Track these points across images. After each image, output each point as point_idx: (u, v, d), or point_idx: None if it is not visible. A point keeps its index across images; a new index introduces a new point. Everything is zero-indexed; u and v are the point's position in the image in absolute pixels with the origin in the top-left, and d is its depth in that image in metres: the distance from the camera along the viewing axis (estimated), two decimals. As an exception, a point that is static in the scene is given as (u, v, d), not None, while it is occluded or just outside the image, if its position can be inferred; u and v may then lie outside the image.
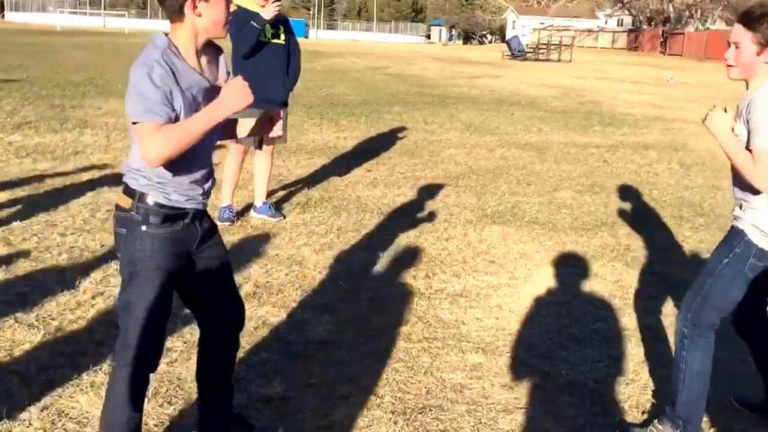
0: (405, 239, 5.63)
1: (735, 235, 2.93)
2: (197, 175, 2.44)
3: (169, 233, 2.41)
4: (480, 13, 78.36)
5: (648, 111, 15.36)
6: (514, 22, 68.77)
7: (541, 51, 38.47)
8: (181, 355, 3.56)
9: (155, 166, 2.26)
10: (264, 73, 5.41)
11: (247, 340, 3.71)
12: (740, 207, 2.93)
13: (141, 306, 2.41)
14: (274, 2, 5.34)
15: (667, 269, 5.20)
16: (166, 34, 2.35)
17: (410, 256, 5.26)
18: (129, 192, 2.40)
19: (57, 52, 23.34)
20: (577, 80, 22.55)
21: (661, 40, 48.06)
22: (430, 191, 7.26)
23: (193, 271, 2.55)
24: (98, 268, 4.62)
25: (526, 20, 65.10)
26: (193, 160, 2.39)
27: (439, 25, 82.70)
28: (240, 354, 3.55)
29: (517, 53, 37.01)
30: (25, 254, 4.77)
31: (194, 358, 3.48)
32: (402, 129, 11.17)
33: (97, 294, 4.23)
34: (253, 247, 5.19)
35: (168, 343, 3.63)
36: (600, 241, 5.83)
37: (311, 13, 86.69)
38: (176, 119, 2.28)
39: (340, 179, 7.58)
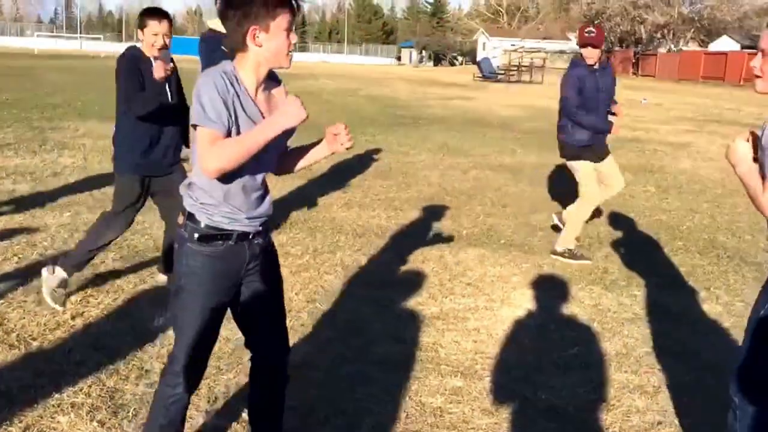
0: (380, 261, 5.58)
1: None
2: (240, 200, 2.47)
3: (212, 252, 2.47)
4: (451, 35, 79.12)
5: (622, 132, 15.29)
6: (484, 43, 69.42)
7: (513, 72, 38.85)
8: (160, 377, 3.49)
9: (212, 178, 2.34)
10: None
11: (224, 362, 3.69)
12: None
13: (185, 321, 2.52)
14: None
15: (645, 293, 5.20)
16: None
17: (386, 279, 5.21)
18: (182, 210, 2.51)
19: (35, 75, 23.24)
20: (550, 102, 22.41)
21: (633, 61, 48.85)
22: (404, 213, 7.23)
23: (243, 295, 2.61)
24: (78, 290, 4.60)
25: (496, 42, 65.75)
26: (235, 190, 2.44)
27: (409, 47, 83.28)
28: (218, 376, 3.52)
29: (489, 75, 37.35)
30: (5, 275, 4.75)
31: None
32: (376, 151, 11.16)
33: (76, 315, 4.22)
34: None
35: (147, 365, 3.65)
36: (577, 264, 5.81)
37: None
38: (229, 134, 2.34)
39: (315, 201, 7.52)
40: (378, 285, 5.06)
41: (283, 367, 2.80)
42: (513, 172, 10.04)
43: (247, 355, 2.83)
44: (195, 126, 2.32)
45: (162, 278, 4.83)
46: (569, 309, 4.82)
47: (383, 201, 7.71)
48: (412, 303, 4.76)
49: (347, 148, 2.57)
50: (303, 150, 2.70)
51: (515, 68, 39.76)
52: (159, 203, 4.63)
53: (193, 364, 2.56)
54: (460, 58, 76.71)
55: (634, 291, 5.22)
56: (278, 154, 2.61)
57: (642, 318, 4.70)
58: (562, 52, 58.59)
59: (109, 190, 7.39)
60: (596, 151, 5.88)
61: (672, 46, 51.22)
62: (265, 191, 2.58)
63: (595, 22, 56.17)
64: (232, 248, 2.50)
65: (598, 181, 5.94)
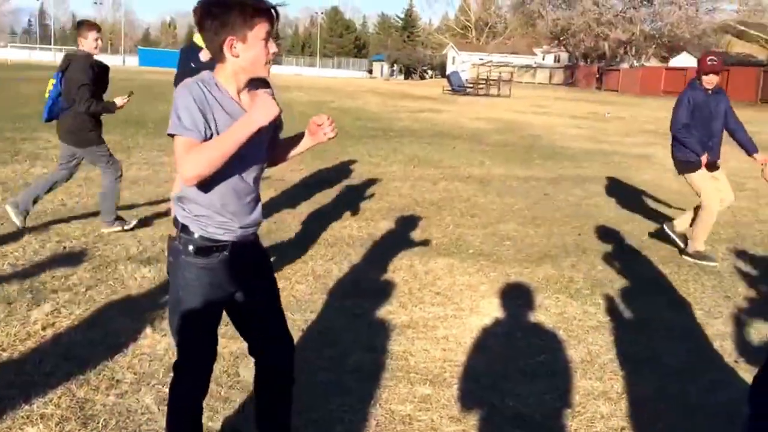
0: (351, 271, 5.62)
1: None
2: (234, 206, 2.49)
3: (208, 264, 2.47)
4: (421, 49, 79.73)
5: (587, 145, 15.78)
6: (454, 57, 70.09)
7: (481, 86, 39.22)
8: (131, 387, 3.53)
9: (190, 185, 2.34)
10: None
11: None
12: None
13: (184, 332, 2.53)
14: None
15: (609, 301, 5.31)
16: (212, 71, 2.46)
17: (357, 288, 5.26)
18: (175, 222, 2.50)
19: (7, 86, 22.93)
20: (517, 115, 23.00)
21: (597, 76, 49.66)
22: (375, 223, 7.29)
23: (239, 303, 2.63)
24: (49, 300, 4.57)
25: (465, 56, 66.48)
26: (227, 194, 2.45)
27: (381, 61, 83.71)
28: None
29: (458, 88, 37.66)
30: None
31: (144, 389, 3.49)
32: (347, 162, 11.23)
33: (47, 325, 4.19)
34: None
35: (118, 375, 3.64)
36: (543, 272, 5.92)
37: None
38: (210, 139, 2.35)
39: (287, 211, 7.56)
40: (349, 294, 5.11)
41: (289, 368, 2.81)
42: (482, 183, 10.17)
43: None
44: (172, 136, 2.33)
45: None
46: (536, 317, 4.91)
47: (354, 211, 7.75)
48: (383, 312, 4.81)
49: (330, 138, 2.60)
50: (290, 141, 2.74)
51: (483, 82, 40.13)
52: None
53: (198, 371, 2.61)
54: (430, 72, 77.28)
55: (599, 299, 5.33)
56: (268, 148, 2.64)
57: (606, 326, 4.81)
58: (528, 66, 59.37)
59: (82, 200, 7.38)
60: (707, 165, 6.41)
61: (634, 61, 52.32)
62: (257, 196, 2.59)
63: (561, 38, 57.19)
64: (227, 258, 2.51)
65: (716, 190, 6.50)
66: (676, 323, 4.94)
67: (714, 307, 5.28)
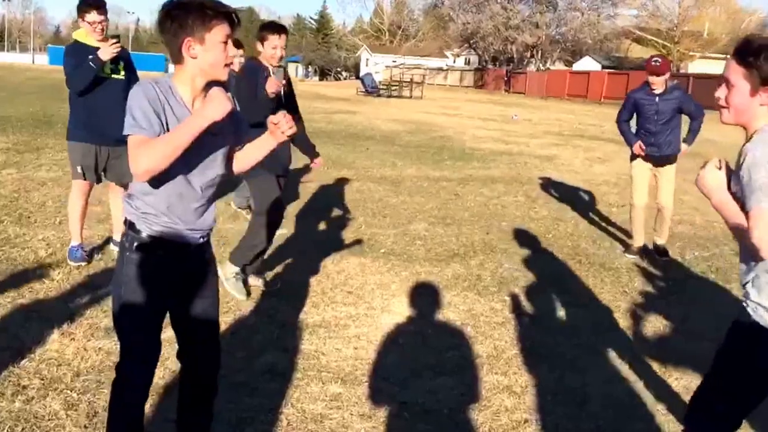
0: (264, 271, 5.63)
1: None
2: (180, 210, 2.49)
3: (151, 262, 2.48)
4: (335, 50, 79.76)
5: (495, 146, 16.20)
6: (367, 59, 70.44)
7: (394, 88, 39.57)
8: (38, 393, 3.45)
9: (143, 180, 2.35)
10: (102, 110, 5.20)
11: (106, 375, 3.62)
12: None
13: (124, 326, 2.55)
14: (112, 44, 5.18)
15: (515, 298, 5.52)
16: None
17: (270, 289, 5.27)
18: (124, 219, 2.51)
19: None
20: (429, 116, 23.33)
21: (505, 78, 50.90)
22: (288, 224, 7.29)
23: (179, 305, 2.64)
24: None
25: (379, 58, 66.99)
26: (172, 198, 2.47)
27: (296, 62, 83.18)
28: (104, 391, 3.47)
29: (371, 90, 37.87)
30: None
31: (52, 395, 3.44)
32: (259, 163, 11.13)
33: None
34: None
35: (24, 381, 3.55)
36: (452, 271, 6.09)
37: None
38: None
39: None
40: (262, 295, 5.13)
41: (214, 378, 2.83)
42: (394, 183, 10.32)
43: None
44: (127, 136, 2.34)
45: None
46: (445, 314, 5.06)
47: (266, 213, 7.74)
48: (296, 312, 4.86)
49: (289, 136, 2.61)
50: (254, 144, 2.75)
51: (396, 84, 40.51)
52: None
53: (139, 369, 2.59)
54: (344, 73, 77.34)
55: (505, 296, 5.53)
56: (228, 157, 2.67)
57: (511, 322, 5.00)
58: (440, 69, 60.30)
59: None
60: (649, 159, 6.75)
61: (540, 65, 53.96)
62: (208, 203, 2.60)
63: (471, 41, 58.32)
64: (172, 258, 2.52)
65: (651, 186, 6.90)
66: (577, 318, 5.19)
67: (612, 301, 5.56)
